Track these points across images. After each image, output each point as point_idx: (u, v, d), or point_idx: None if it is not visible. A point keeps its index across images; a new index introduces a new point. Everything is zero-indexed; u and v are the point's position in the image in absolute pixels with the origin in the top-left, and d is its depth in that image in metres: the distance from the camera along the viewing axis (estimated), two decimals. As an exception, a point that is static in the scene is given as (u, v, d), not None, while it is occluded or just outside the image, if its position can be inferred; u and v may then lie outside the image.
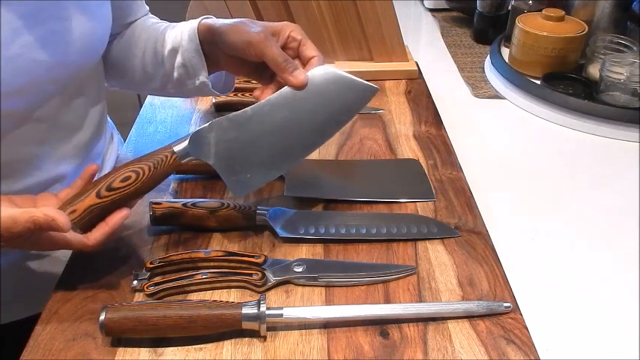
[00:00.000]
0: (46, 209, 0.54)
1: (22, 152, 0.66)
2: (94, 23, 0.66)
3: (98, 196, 0.59)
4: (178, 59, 0.71)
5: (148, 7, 0.81)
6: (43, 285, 0.66)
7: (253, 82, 0.91)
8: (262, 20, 0.80)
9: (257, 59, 0.64)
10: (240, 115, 0.64)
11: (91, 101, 0.74)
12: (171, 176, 0.78)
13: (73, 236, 0.57)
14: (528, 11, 1.08)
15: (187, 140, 0.62)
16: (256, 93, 0.67)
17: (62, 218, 0.53)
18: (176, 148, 0.62)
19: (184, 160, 0.62)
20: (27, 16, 0.58)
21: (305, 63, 0.66)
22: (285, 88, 0.64)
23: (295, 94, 0.64)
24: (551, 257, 0.67)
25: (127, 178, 0.60)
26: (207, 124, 0.63)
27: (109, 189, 0.59)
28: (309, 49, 0.66)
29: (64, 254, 0.67)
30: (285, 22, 0.67)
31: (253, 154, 0.64)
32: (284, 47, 0.66)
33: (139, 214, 0.71)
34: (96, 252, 0.66)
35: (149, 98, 1.00)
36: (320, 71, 0.65)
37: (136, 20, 0.79)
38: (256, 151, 0.64)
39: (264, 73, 0.68)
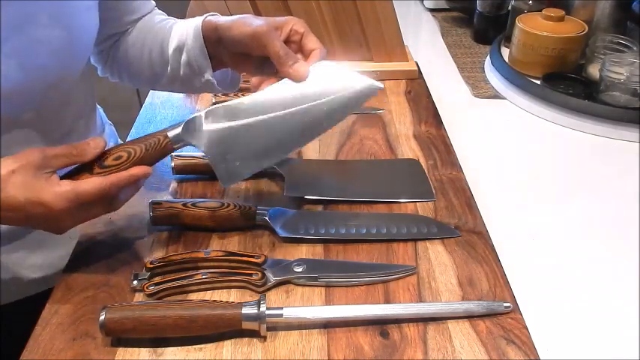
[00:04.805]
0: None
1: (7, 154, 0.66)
2: (69, 34, 0.65)
3: (90, 172, 0.59)
4: (184, 58, 0.71)
5: (154, 3, 0.81)
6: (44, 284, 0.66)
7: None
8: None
9: (260, 52, 0.64)
10: (236, 105, 0.64)
11: (77, 110, 0.74)
12: (171, 176, 0.78)
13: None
14: (528, 11, 1.07)
15: (181, 126, 0.62)
16: (254, 81, 0.66)
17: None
18: (170, 133, 0.62)
19: (177, 146, 0.62)
20: (4, 26, 0.58)
21: (307, 56, 0.66)
22: (285, 81, 0.64)
23: (294, 88, 0.64)
24: (551, 257, 0.67)
25: (119, 157, 0.60)
26: (202, 112, 0.63)
27: (102, 166, 0.60)
28: (312, 42, 0.66)
29: (64, 253, 0.67)
30: (289, 17, 0.67)
31: (246, 142, 0.64)
32: (287, 41, 0.66)
33: (139, 214, 0.71)
34: (96, 252, 0.67)
35: (149, 98, 1.00)
36: (322, 67, 0.65)
37: (142, 17, 0.79)
38: (249, 140, 0.64)
39: (267, 69, 0.68)
